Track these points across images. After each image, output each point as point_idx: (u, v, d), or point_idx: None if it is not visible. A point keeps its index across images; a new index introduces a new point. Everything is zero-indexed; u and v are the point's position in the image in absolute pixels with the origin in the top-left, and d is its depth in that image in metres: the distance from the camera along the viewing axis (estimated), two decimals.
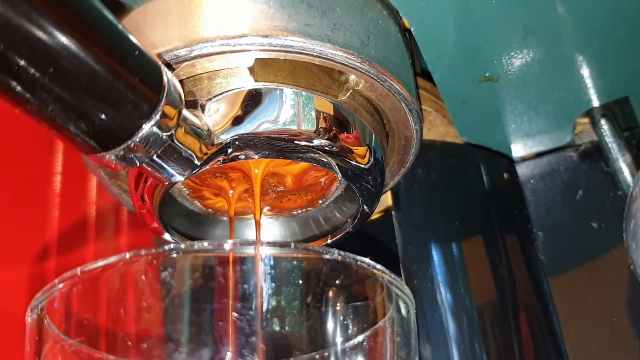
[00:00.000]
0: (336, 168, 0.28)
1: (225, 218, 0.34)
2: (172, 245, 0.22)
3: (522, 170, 0.41)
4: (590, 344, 0.36)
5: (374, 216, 0.34)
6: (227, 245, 0.23)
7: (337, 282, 0.25)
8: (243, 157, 0.26)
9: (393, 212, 0.37)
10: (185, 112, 0.23)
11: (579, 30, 0.32)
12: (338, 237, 0.33)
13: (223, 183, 0.31)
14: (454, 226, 0.37)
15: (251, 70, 0.26)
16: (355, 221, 0.32)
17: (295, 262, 0.25)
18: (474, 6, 0.30)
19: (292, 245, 0.24)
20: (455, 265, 0.36)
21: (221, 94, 0.26)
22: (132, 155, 0.21)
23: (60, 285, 0.23)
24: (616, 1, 0.31)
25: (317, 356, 0.26)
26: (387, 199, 0.37)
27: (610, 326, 0.36)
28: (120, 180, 0.32)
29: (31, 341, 0.24)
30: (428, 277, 0.35)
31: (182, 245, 0.23)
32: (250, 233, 0.34)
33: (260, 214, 0.29)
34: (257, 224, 0.30)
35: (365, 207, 0.30)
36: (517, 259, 0.38)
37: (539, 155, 0.41)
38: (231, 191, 0.31)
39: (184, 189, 0.32)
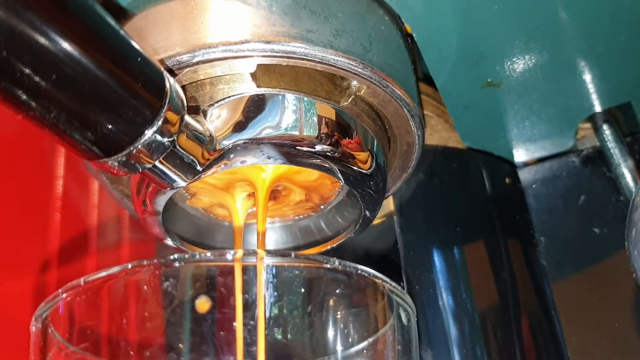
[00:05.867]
0: (338, 174, 0.28)
1: (227, 223, 0.34)
2: (175, 256, 0.22)
3: (524, 175, 0.41)
4: (593, 350, 0.35)
5: (376, 221, 0.34)
6: (229, 255, 0.23)
7: (338, 290, 0.25)
8: (245, 162, 0.26)
9: (395, 217, 0.37)
10: (188, 118, 0.23)
11: (582, 36, 0.32)
12: (340, 242, 0.33)
13: (228, 191, 0.31)
14: (455, 231, 0.37)
15: (253, 76, 0.26)
16: (357, 226, 0.32)
17: (296, 272, 0.25)
18: (477, 12, 0.30)
19: (293, 255, 0.24)
20: (457, 270, 0.36)
21: (223, 99, 0.26)
22: (135, 161, 0.21)
23: (64, 295, 0.23)
24: (619, 6, 0.31)
25: None
26: (389, 204, 0.37)
27: (613, 331, 0.36)
28: (122, 185, 0.32)
29: (36, 349, 0.24)
30: (430, 282, 0.35)
31: (184, 255, 0.23)
32: (253, 239, 0.34)
33: (264, 224, 0.29)
34: (259, 235, 0.29)
35: (367, 212, 0.30)
36: (519, 264, 0.38)
37: (541, 160, 0.41)
38: (238, 204, 0.31)
39: (186, 194, 0.32)
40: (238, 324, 0.24)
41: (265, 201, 0.30)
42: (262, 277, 0.23)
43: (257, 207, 0.29)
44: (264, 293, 0.24)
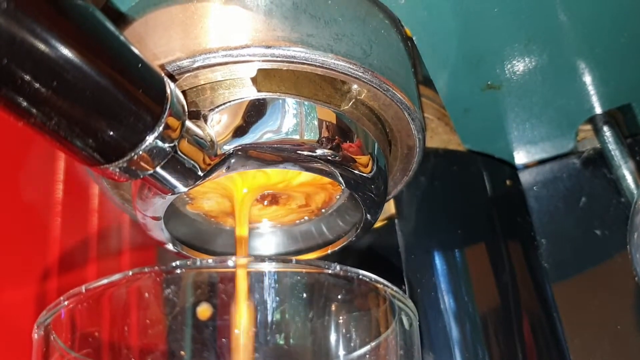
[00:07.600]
0: (339, 177, 0.28)
1: (228, 227, 0.34)
2: (176, 262, 0.22)
3: (525, 177, 0.41)
4: (595, 352, 0.35)
5: (377, 224, 0.34)
6: (231, 261, 0.23)
7: (340, 296, 0.25)
8: (246, 167, 0.26)
9: (396, 220, 0.37)
10: (188, 123, 0.23)
11: (582, 38, 0.32)
12: (341, 245, 0.33)
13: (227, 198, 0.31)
14: (456, 234, 0.37)
15: (254, 80, 0.26)
16: (359, 230, 0.32)
17: (297, 277, 0.25)
18: (476, 15, 0.30)
19: (294, 260, 0.24)
20: (458, 273, 0.36)
21: (224, 104, 0.26)
22: (136, 167, 0.21)
23: (66, 302, 0.23)
24: (619, 8, 0.31)
25: None
26: (390, 207, 0.37)
27: (615, 333, 0.36)
28: (122, 190, 0.32)
29: (38, 356, 0.24)
30: (431, 284, 0.35)
31: (186, 262, 0.23)
32: (254, 244, 0.34)
33: (247, 231, 0.29)
34: (240, 241, 0.29)
35: (368, 215, 0.30)
36: (520, 266, 0.38)
37: (541, 162, 0.41)
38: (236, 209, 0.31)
39: (187, 199, 0.32)
40: (230, 332, 0.24)
41: (247, 207, 0.29)
42: (246, 283, 0.24)
43: (236, 213, 0.29)
44: (255, 299, 0.24)
